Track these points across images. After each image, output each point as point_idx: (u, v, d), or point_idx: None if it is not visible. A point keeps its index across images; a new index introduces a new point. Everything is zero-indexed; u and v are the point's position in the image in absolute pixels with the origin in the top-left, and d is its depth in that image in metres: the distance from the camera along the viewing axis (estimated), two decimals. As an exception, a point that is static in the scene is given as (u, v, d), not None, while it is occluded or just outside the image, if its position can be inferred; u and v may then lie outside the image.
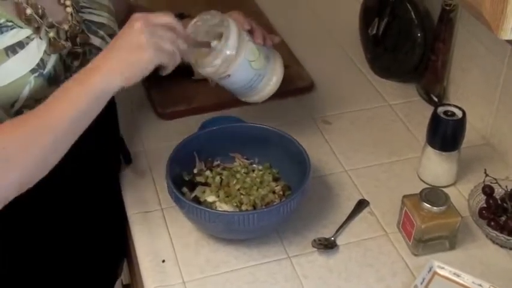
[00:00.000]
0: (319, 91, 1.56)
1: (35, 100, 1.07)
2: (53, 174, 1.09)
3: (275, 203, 1.19)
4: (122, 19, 1.32)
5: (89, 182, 1.24)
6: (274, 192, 1.23)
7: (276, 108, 1.46)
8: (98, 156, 1.24)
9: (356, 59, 1.66)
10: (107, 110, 1.30)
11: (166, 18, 1.06)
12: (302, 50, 1.66)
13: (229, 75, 1.22)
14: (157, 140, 1.41)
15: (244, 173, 1.27)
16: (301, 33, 1.77)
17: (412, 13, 1.48)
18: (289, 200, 1.13)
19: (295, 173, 1.21)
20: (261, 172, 1.27)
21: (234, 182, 1.25)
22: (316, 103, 1.52)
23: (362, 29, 1.64)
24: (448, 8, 1.38)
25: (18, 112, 1.08)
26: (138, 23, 1.02)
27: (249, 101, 1.32)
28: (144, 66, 1.02)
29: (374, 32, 1.57)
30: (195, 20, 1.23)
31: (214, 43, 1.21)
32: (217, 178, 1.26)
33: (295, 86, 1.54)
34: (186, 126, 1.40)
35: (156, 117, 1.48)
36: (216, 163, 1.30)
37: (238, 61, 1.22)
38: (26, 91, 1.06)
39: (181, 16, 1.35)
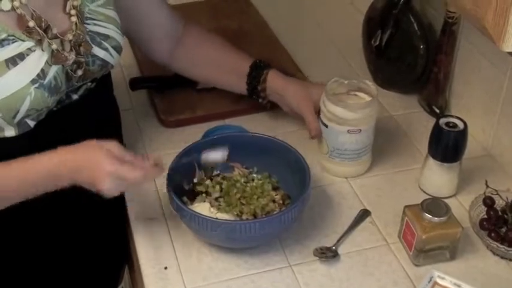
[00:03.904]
0: (321, 101, 1.57)
1: (36, 110, 1.08)
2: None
3: (276, 212, 1.20)
4: (179, 37, 1.40)
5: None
6: (274, 201, 1.24)
7: (277, 118, 1.47)
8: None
9: (359, 70, 1.66)
10: (110, 117, 1.32)
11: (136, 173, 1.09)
12: (305, 60, 1.67)
13: (360, 130, 1.27)
14: (161, 147, 1.41)
15: (244, 182, 1.28)
16: (305, 44, 1.77)
17: (415, 25, 1.49)
18: (290, 208, 1.14)
19: (295, 182, 1.22)
20: (260, 181, 1.28)
21: (234, 191, 1.25)
22: (318, 113, 1.53)
23: (365, 41, 1.64)
24: (450, 20, 1.39)
25: (20, 122, 1.08)
26: (110, 166, 1.06)
27: (346, 174, 1.34)
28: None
29: (377, 43, 1.57)
30: (334, 79, 1.34)
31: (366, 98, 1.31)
32: (217, 187, 1.26)
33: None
34: (190, 135, 1.41)
35: (159, 125, 1.48)
36: (215, 172, 1.30)
37: (372, 122, 1.29)
38: (27, 102, 1.06)
39: (260, 64, 1.40)
